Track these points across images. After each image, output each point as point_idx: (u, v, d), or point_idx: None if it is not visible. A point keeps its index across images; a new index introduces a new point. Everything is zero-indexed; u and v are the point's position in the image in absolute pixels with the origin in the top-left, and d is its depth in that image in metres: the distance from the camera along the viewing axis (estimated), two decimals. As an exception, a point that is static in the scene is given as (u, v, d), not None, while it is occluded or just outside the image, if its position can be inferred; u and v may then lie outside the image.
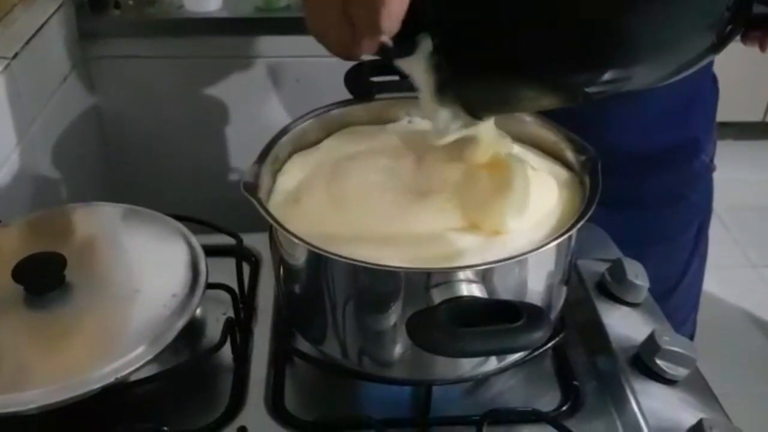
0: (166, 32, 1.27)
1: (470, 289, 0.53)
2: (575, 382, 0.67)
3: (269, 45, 1.29)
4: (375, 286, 0.56)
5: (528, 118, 0.72)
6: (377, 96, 0.75)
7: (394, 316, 0.57)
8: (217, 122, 1.36)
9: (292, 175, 0.68)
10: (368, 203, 0.61)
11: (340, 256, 0.55)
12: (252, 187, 0.61)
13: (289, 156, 0.71)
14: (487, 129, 0.63)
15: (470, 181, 0.61)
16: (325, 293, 0.59)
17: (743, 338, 1.84)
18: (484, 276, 0.54)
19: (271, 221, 0.58)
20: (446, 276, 0.53)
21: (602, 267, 0.77)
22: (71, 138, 1.22)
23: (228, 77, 1.31)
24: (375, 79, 0.76)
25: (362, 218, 0.60)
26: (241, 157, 1.38)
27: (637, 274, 0.74)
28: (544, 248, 0.55)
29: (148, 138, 1.37)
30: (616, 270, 0.75)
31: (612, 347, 0.69)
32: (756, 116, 2.28)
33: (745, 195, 2.28)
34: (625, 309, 0.73)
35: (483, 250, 0.57)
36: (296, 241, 0.56)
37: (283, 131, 0.69)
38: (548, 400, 0.67)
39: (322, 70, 1.26)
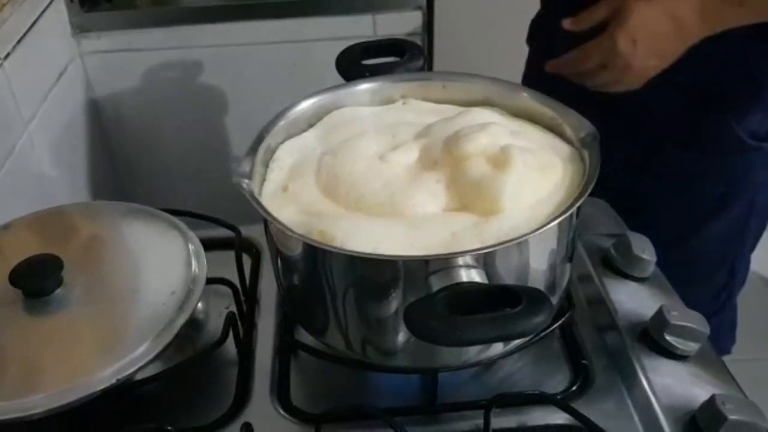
0: (158, 23, 1.25)
1: (469, 274, 0.51)
2: (584, 361, 0.66)
3: (264, 30, 1.27)
4: (373, 275, 0.55)
5: (525, 94, 0.70)
6: (371, 78, 0.74)
7: (394, 304, 0.55)
8: (215, 111, 1.35)
9: (283, 162, 0.67)
10: (358, 191, 0.60)
11: (336, 248, 0.54)
12: (244, 180, 0.60)
13: (282, 143, 0.70)
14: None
15: (464, 163, 0.60)
16: (324, 285, 0.58)
17: (758, 304, 1.82)
18: (484, 260, 0.53)
19: (264, 215, 0.57)
20: (445, 262, 0.52)
21: (608, 242, 0.76)
22: (70, 134, 1.21)
23: (224, 65, 1.30)
24: (367, 61, 0.75)
25: (353, 206, 0.59)
26: (240, 145, 1.37)
27: (643, 248, 0.72)
28: (543, 229, 0.54)
29: (147, 130, 1.36)
30: (622, 245, 0.73)
31: (620, 324, 0.67)
32: None
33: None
34: (632, 284, 0.72)
35: (480, 231, 0.55)
36: (290, 233, 0.55)
37: (273, 121, 0.68)
38: (558, 381, 0.66)
39: (319, 53, 1.25)
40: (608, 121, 0.82)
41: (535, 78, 1.09)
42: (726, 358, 0.69)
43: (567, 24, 0.85)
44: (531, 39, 1.11)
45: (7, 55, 1.03)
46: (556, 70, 0.86)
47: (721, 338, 1.10)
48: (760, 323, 1.74)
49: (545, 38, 1.05)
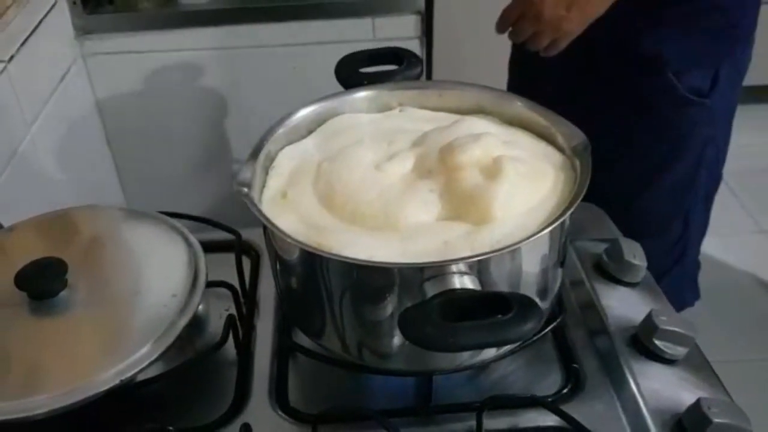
0: (160, 26, 1.27)
1: (462, 281, 0.53)
2: (575, 365, 0.67)
3: (264, 33, 1.28)
4: (369, 282, 0.57)
5: (519, 103, 0.72)
6: (369, 86, 0.75)
7: (389, 309, 0.57)
8: (216, 113, 1.36)
9: (282, 168, 0.68)
10: (354, 201, 0.62)
11: (333, 255, 0.55)
12: (244, 187, 0.62)
13: (281, 149, 0.71)
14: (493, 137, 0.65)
15: (457, 173, 0.61)
16: (321, 290, 0.60)
17: (752, 305, 1.83)
18: (477, 267, 0.54)
19: (264, 222, 0.58)
20: (438, 269, 0.53)
21: (600, 248, 0.77)
22: (72, 136, 1.23)
23: (225, 68, 1.31)
24: (365, 69, 0.76)
25: (349, 218, 0.61)
26: (240, 146, 1.39)
27: (634, 254, 0.74)
28: (534, 238, 0.55)
29: (148, 132, 1.37)
30: (614, 250, 0.75)
31: (610, 329, 0.69)
32: (761, 80, 2.25)
33: (752, 159, 2.26)
34: (623, 289, 0.74)
35: (472, 240, 0.57)
36: (289, 240, 0.57)
37: (273, 128, 0.69)
38: (550, 383, 0.67)
39: (319, 56, 1.26)
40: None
41: (517, 75, 1.19)
42: (721, 360, 0.70)
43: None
44: None
45: (11, 57, 1.04)
46: (499, 31, 0.97)
47: (683, 292, 1.17)
48: (756, 325, 1.76)
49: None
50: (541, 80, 1.04)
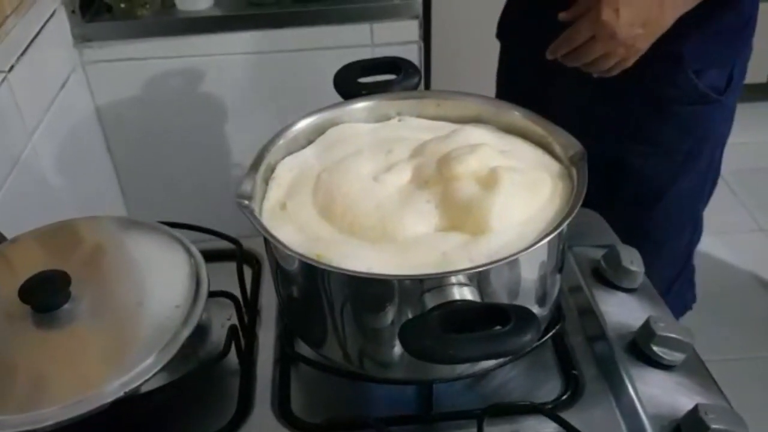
0: (159, 33, 1.27)
1: (462, 292, 0.54)
2: (574, 371, 0.68)
3: (263, 40, 1.29)
4: (370, 294, 0.57)
5: (517, 112, 0.72)
6: (367, 96, 0.76)
7: (389, 320, 0.58)
8: (216, 119, 1.37)
9: (282, 179, 0.69)
10: (352, 213, 0.63)
11: (333, 267, 0.56)
12: (245, 199, 0.62)
13: (281, 160, 0.72)
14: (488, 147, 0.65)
15: (454, 183, 0.62)
16: (322, 301, 0.60)
17: (752, 303, 1.84)
18: (476, 278, 0.55)
19: (264, 234, 0.59)
20: (438, 281, 0.54)
21: (598, 253, 0.78)
22: (72, 143, 1.24)
23: (225, 74, 1.32)
24: (363, 79, 0.77)
25: (347, 229, 0.62)
26: (240, 153, 1.39)
27: (632, 260, 0.74)
28: (532, 249, 0.56)
29: (148, 138, 1.38)
30: (612, 256, 0.76)
31: (609, 335, 0.70)
32: (760, 78, 2.26)
33: (752, 158, 2.26)
34: (621, 295, 0.74)
35: (469, 251, 0.58)
36: (289, 252, 0.57)
37: (273, 140, 0.70)
38: (549, 389, 0.68)
39: (318, 62, 1.27)
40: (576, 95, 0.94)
41: (505, 74, 1.18)
42: (720, 359, 0.71)
43: (562, 16, 0.90)
44: (500, 35, 1.17)
45: (11, 67, 1.05)
46: (555, 54, 0.90)
47: (686, 294, 1.16)
48: (756, 325, 1.77)
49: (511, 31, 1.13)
50: (552, 91, 1.04)
